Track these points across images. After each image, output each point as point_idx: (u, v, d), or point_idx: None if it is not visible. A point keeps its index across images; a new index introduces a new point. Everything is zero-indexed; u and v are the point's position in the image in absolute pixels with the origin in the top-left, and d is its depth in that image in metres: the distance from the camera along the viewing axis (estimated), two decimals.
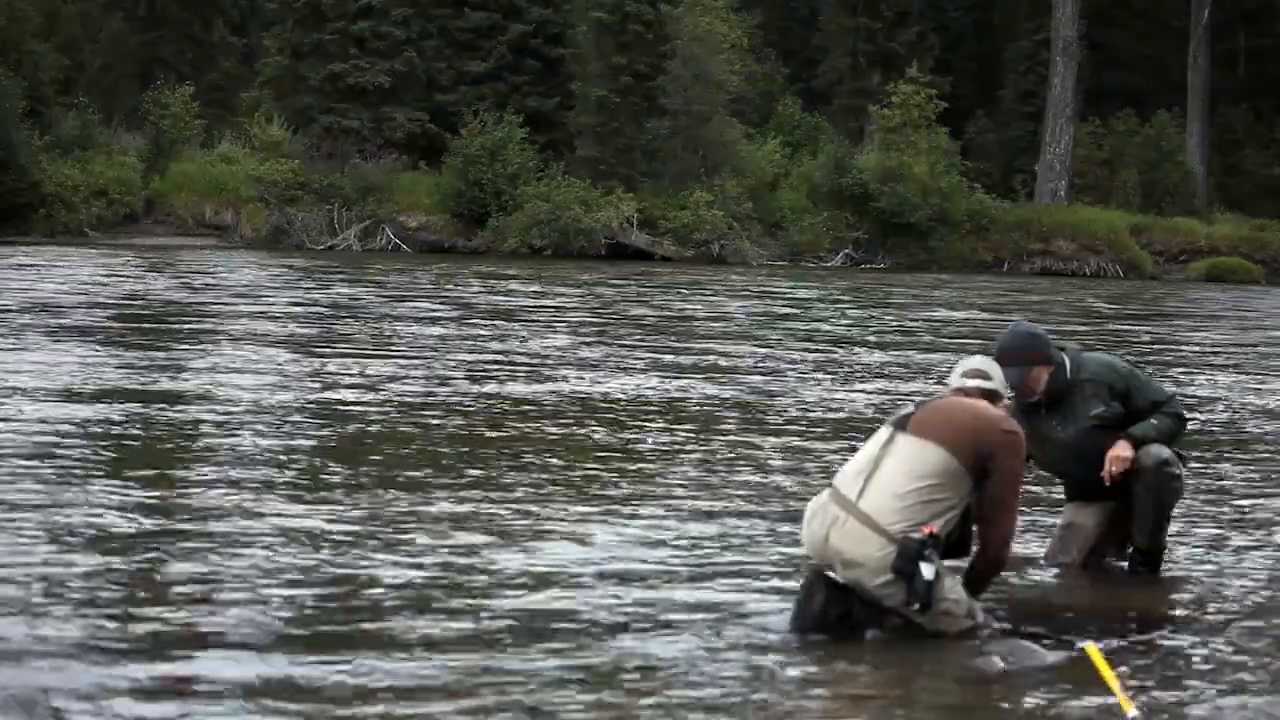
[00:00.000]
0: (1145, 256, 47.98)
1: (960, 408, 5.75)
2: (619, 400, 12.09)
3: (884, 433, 5.78)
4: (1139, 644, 5.75)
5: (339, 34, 45.33)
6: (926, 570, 5.43)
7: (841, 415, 11.84)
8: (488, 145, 42.91)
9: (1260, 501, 8.78)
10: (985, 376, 5.99)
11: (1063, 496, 7.21)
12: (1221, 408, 13.35)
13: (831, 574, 5.67)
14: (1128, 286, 40.93)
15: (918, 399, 5.91)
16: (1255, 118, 59.46)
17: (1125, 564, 6.93)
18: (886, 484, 5.58)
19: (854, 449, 9.61)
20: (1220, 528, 7.91)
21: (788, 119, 51.41)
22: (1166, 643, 5.79)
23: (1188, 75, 56.77)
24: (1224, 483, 9.31)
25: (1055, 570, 6.88)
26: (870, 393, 13.29)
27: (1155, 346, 20.37)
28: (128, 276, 25.16)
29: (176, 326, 16.84)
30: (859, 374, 14.89)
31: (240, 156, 43.51)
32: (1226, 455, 10.47)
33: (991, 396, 5.95)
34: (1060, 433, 6.73)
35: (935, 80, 49.02)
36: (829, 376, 14.51)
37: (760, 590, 6.21)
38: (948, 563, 5.72)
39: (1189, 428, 7.57)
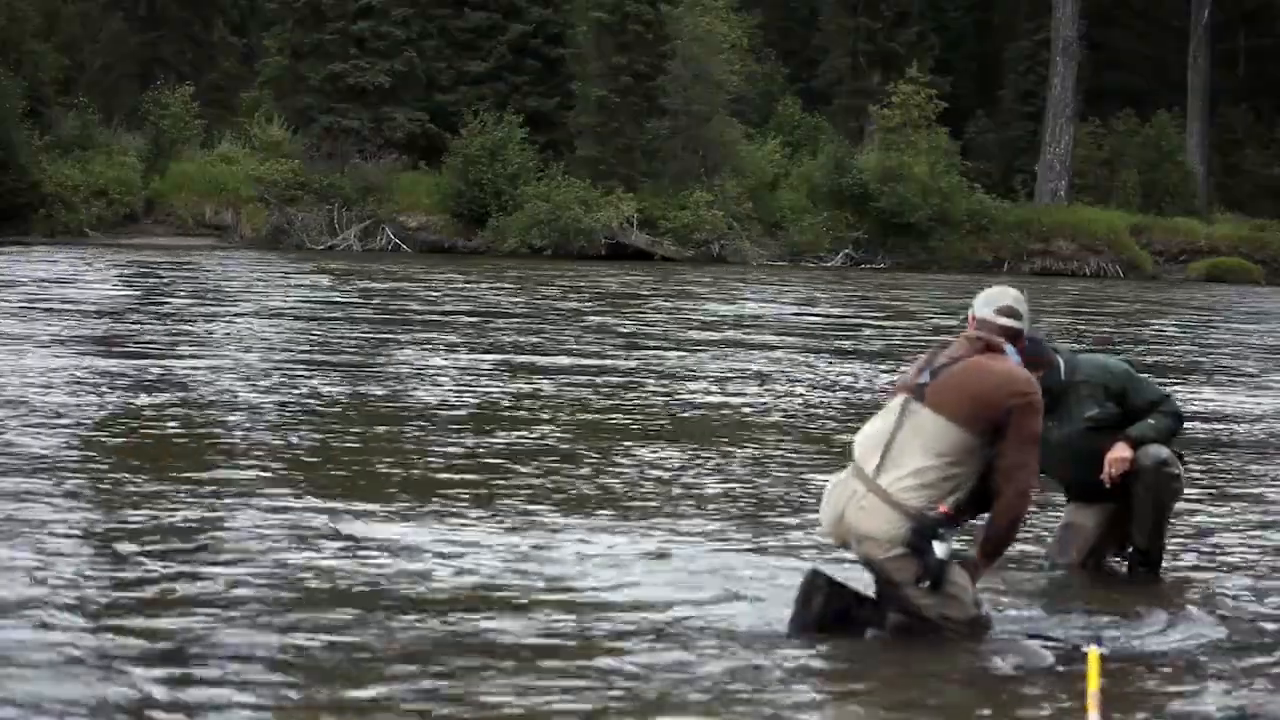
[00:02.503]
0: (1145, 256, 47.99)
1: (976, 374, 5.59)
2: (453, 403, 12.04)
3: (898, 402, 5.66)
4: (1137, 644, 5.74)
5: (339, 34, 45.34)
6: (940, 549, 5.40)
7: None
8: (488, 145, 42.91)
9: (1260, 501, 8.78)
10: (1016, 316, 5.92)
11: (1062, 499, 7.21)
12: (1222, 407, 13.35)
13: (829, 573, 5.67)
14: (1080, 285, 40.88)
15: (937, 360, 5.68)
16: (1255, 118, 59.47)
17: (1125, 564, 6.93)
18: (904, 460, 5.51)
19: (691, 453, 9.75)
20: (1221, 527, 7.91)
21: (788, 119, 51.42)
22: (1166, 643, 5.78)
23: (1188, 75, 56.78)
24: (1224, 481, 9.31)
25: (1055, 571, 6.88)
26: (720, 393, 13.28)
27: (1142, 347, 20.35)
28: None
29: None
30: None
31: (240, 156, 43.52)
32: (1227, 454, 10.47)
33: (1015, 336, 5.86)
34: (1055, 433, 6.72)
35: (935, 80, 49.03)
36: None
37: (753, 589, 6.21)
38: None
39: (1186, 426, 7.55)
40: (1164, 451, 6.70)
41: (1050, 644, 5.56)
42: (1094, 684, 4.88)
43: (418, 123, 45.78)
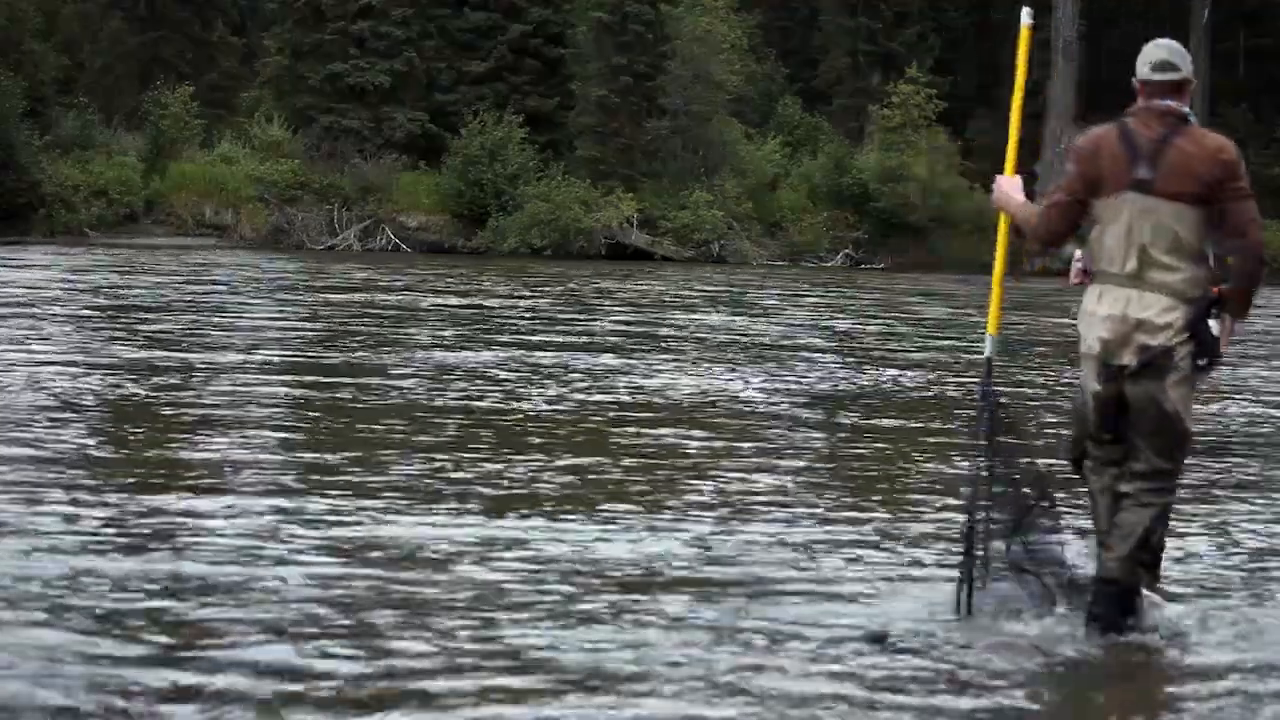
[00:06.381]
0: None
1: (1181, 154, 5.81)
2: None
3: (1121, 201, 5.84)
4: (1135, 644, 5.72)
5: (339, 34, 45.35)
6: (1215, 326, 5.73)
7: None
8: (488, 145, 42.92)
9: (1262, 501, 8.76)
10: (1173, 68, 6.01)
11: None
12: (1223, 405, 13.33)
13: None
14: None
15: (1138, 144, 5.91)
16: (1255, 118, 59.46)
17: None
18: (1163, 255, 5.74)
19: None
20: (1220, 527, 7.89)
21: (788, 119, 51.40)
22: (1163, 642, 5.76)
23: None
24: (1226, 481, 9.29)
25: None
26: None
27: None
28: None
29: None
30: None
31: (240, 156, 43.52)
32: (1228, 454, 10.45)
33: (1182, 86, 6.00)
34: None
35: (935, 80, 49.02)
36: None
37: (759, 589, 6.20)
38: None
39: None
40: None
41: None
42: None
43: (418, 123, 45.79)
